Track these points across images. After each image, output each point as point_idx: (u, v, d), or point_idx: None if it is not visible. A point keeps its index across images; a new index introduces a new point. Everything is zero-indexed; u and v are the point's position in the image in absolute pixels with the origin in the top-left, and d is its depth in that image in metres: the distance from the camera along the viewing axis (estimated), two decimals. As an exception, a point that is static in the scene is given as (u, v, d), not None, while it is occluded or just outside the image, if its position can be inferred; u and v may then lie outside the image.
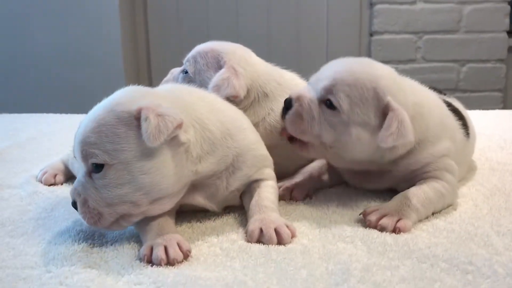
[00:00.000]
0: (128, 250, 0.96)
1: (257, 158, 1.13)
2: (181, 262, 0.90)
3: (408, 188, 1.14)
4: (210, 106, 1.08)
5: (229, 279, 0.83)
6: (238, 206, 1.15)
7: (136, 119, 0.93)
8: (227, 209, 1.15)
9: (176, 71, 1.38)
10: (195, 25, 3.33)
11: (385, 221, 1.03)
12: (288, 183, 1.25)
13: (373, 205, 1.14)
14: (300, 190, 1.23)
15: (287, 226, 0.99)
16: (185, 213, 1.11)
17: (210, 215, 1.11)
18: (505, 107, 3.29)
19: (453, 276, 0.84)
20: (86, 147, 0.94)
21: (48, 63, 3.13)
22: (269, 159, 1.18)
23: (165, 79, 1.39)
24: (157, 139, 0.90)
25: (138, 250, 0.94)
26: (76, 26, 3.09)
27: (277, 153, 1.21)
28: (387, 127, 1.07)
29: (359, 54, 3.29)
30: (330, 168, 1.31)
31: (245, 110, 1.26)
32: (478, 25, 3.20)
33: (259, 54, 1.39)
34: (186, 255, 0.91)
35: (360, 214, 1.09)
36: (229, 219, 1.11)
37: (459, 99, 1.52)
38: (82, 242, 0.99)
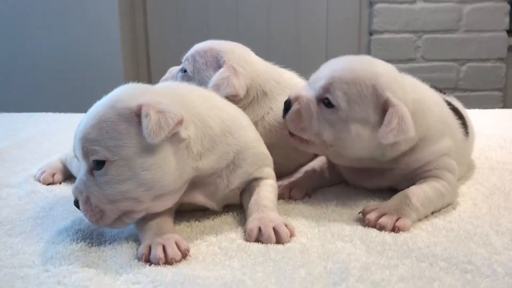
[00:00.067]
0: (126, 249, 0.95)
1: (257, 155, 1.13)
2: (179, 261, 0.90)
3: (408, 187, 1.14)
4: (210, 104, 1.08)
5: (228, 278, 0.83)
6: (237, 205, 1.14)
7: (136, 116, 0.92)
8: (226, 208, 1.14)
9: (174, 70, 1.38)
10: (195, 25, 3.33)
11: (384, 220, 1.02)
12: (287, 181, 1.25)
13: (372, 204, 1.14)
14: (299, 189, 1.23)
15: (286, 225, 0.99)
16: (184, 212, 1.10)
17: (209, 214, 1.11)
18: (505, 106, 3.29)
19: (452, 275, 0.83)
20: (86, 144, 0.93)
21: (48, 63, 3.13)
22: (269, 158, 1.18)
23: (164, 78, 1.39)
24: (158, 135, 0.90)
25: (137, 249, 0.94)
26: (75, 25, 3.09)
27: (276, 152, 1.21)
28: (387, 123, 1.06)
29: (358, 53, 3.25)
30: (330, 167, 1.30)
31: (244, 109, 1.26)
32: (478, 24, 3.20)
33: (258, 53, 1.39)
34: (184, 254, 0.91)
35: (359, 213, 1.09)
36: (228, 218, 1.10)
37: (459, 98, 1.52)
38: (80, 241, 0.99)
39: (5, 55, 3.14)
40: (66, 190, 1.33)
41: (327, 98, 1.12)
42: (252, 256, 0.91)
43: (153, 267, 0.87)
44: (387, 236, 0.99)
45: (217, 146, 1.04)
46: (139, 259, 0.91)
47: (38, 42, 3.10)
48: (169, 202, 0.99)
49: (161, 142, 0.93)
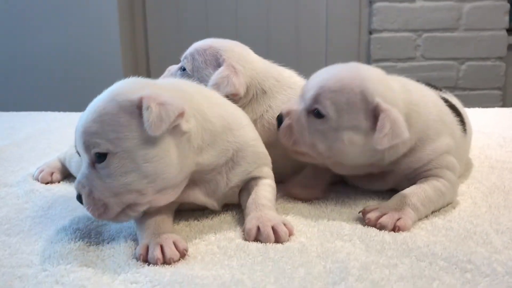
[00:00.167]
0: (124, 249, 0.95)
1: (257, 154, 1.13)
2: (177, 261, 0.89)
3: (409, 186, 1.13)
4: (210, 100, 1.08)
5: (226, 278, 0.83)
6: (235, 204, 1.14)
7: (138, 108, 0.92)
8: (225, 207, 1.14)
9: (173, 68, 1.37)
10: (194, 25, 3.32)
11: (385, 220, 1.02)
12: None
13: (372, 204, 1.14)
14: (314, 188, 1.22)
15: (285, 224, 0.99)
16: (183, 211, 1.10)
17: (208, 213, 1.11)
18: (504, 105, 3.29)
19: (451, 275, 0.83)
20: (88, 137, 0.93)
21: (47, 62, 3.12)
22: (268, 158, 1.18)
23: (162, 76, 1.38)
24: (159, 128, 0.90)
25: (135, 249, 0.94)
26: (74, 25, 3.08)
27: (274, 151, 1.20)
28: (380, 128, 1.06)
29: (358, 52, 3.29)
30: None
31: (243, 107, 1.25)
32: (477, 23, 3.19)
33: (258, 51, 1.38)
34: (183, 254, 0.90)
35: (359, 213, 1.08)
36: (227, 217, 1.10)
37: (459, 97, 1.52)
38: (79, 241, 0.98)
39: (4, 54, 3.13)
40: (64, 189, 1.32)
41: (316, 109, 1.12)
42: (251, 255, 0.91)
43: (151, 267, 0.87)
44: (386, 235, 0.98)
45: (217, 142, 1.04)
46: (137, 259, 0.90)
47: (37, 41, 3.10)
48: (171, 196, 0.99)
49: (162, 135, 0.92)
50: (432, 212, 1.11)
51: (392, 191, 1.17)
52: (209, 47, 1.31)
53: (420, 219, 1.07)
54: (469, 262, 0.87)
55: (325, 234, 1.00)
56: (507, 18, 3.20)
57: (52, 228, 1.06)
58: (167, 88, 1.00)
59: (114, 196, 0.93)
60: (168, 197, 0.98)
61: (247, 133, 1.12)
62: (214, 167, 1.06)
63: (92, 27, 3.08)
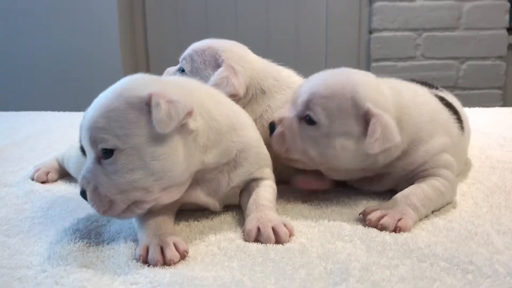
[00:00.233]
0: (124, 250, 0.94)
1: (259, 155, 1.13)
2: (178, 262, 0.89)
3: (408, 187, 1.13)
4: (215, 98, 1.08)
5: (227, 279, 0.82)
6: (236, 205, 1.14)
7: (146, 105, 0.91)
8: (225, 208, 1.14)
9: (172, 70, 1.37)
10: (194, 25, 3.32)
11: (386, 221, 1.02)
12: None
13: (372, 204, 1.14)
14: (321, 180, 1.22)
15: (285, 225, 0.98)
16: (183, 212, 1.10)
17: (208, 214, 1.11)
18: (504, 104, 3.29)
19: (453, 276, 0.83)
20: (95, 133, 0.92)
21: (47, 62, 3.12)
22: (269, 159, 1.18)
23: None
24: (168, 125, 0.90)
25: (135, 250, 0.93)
26: (74, 24, 3.08)
27: (273, 151, 1.20)
28: (371, 133, 1.06)
29: (358, 51, 3.28)
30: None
31: (242, 107, 1.25)
32: (477, 22, 3.19)
33: (258, 52, 1.38)
34: (183, 255, 0.90)
35: (360, 214, 1.08)
36: (227, 218, 1.10)
37: (459, 96, 1.51)
38: (78, 241, 0.98)
39: (4, 54, 3.13)
40: (64, 190, 1.32)
41: (308, 115, 1.12)
42: (251, 256, 0.91)
43: (151, 268, 0.87)
44: (387, 236, 0.98)
45: (221, 141, 1.04)
46: (137, 260, 0.90)
47: (37, 41, 3.10)
48: (176, 194, 0.98)
49: (170, 133, 0.92)
50: (433, 212, 1.10)
51: (392, 191, 1.17)
52: (207, 47, 1.30)
53: (420, 219, 1.07)
54: (471, 263, 0.86)
55: (325, 235, 1.00)
56: (507, 17, 3.20)
57: (51, 229, 1.06)
58: (174, 85, 0.99)
59: (120, 193, 0.92)
60: (173, 195, 0.98)
61: (250, 133, 1.12)
62: (216, 167, 1.06)
63: (92, 27, 3.08)
